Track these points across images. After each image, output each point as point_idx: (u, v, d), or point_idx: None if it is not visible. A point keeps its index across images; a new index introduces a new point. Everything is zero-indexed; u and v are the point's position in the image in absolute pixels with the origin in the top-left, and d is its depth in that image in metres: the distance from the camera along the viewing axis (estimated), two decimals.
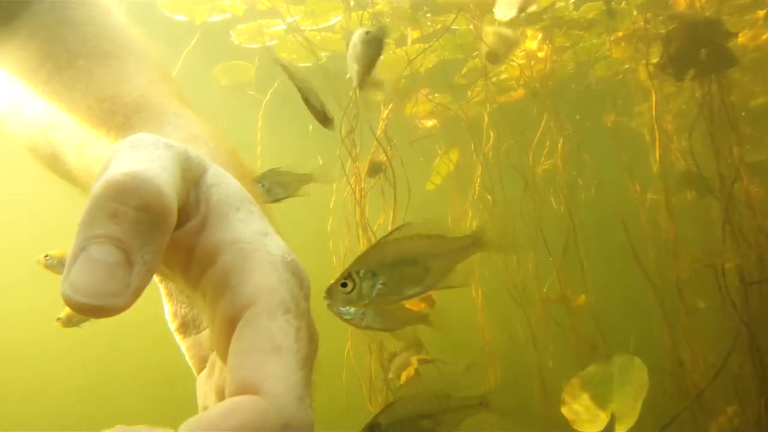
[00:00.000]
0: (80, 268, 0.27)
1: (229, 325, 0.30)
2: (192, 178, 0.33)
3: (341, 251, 3.05)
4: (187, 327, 0.46)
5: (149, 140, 0.32)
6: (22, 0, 0.49)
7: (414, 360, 2.51)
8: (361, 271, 1.10)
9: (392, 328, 1.74)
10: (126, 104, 0.44)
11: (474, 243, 1.11)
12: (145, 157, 0.30)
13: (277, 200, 1.83)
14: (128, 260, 0.28)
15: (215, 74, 3.56)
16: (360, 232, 2.79)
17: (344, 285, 1.10)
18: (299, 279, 0.32)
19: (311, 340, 0.31)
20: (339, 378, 3.01)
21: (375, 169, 2.81)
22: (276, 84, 3.22)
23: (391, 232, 1.08)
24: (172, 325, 0.47)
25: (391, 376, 2.54)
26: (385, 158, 2.81)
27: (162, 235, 0.29)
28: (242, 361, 0.28)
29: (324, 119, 1.58)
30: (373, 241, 2.73)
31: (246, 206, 0.34)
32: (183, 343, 0.46)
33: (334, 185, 2.97)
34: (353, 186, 2.87)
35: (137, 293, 0.28)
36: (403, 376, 2.51)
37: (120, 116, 0.44)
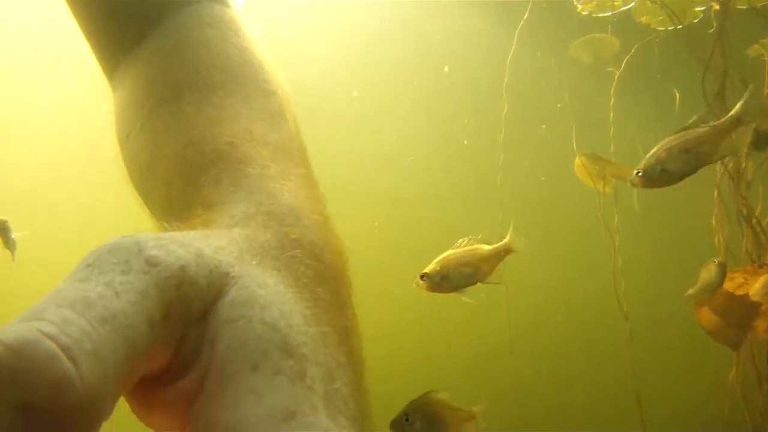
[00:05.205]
0: None
1: None
2: (188, 313, 0.24)
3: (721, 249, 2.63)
4: None
5: (124, 254, 0.23)
6: (149, 21, 0.42)
7: None
8: None
9: None
10: (207, 153, 0.35)
11: None
12: (89, 297, 0.21)
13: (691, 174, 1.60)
14: None
15: (572, 51, 3.35)
16: (743, 225, 2.36)
17: None
18: None
19: None
20: (719, 413, 2.62)
21: (762, 141, 2.32)
22: (632, 51, 2.92)
23: None
24: None
25: None
26: None
27: None
28: None
29: None
30: (762, 236, 2.30)
31: (271, 362, 0.23)
32: None
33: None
34: (726, 166, 2.44)
35: None
36: None
37: (198, 168, 0.35)
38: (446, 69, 3.75)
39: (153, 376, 0.24)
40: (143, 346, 0.22)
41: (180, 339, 0.24)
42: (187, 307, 0.24)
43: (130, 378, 0.22)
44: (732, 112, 1.56)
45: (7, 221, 2.39)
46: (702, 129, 1.53)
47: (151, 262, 0.23)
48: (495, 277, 2.05)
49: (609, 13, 3.13)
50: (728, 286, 1.85)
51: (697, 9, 2.79)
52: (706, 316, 1.91)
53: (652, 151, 1.55)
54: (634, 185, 1.59)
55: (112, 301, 0.21)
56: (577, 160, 2.87)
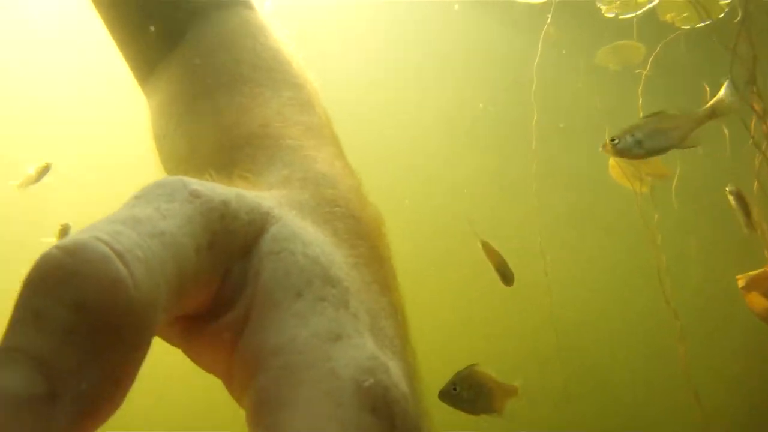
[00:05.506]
0: None
1: None
2: (232, 245, 0.24)
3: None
4: None
5: (169, 187, 0.23)
6: (180, 28, 0.44)
7: None
8: None
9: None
10: (240, 136, 0.35)
11: None
12: (137, 216, 0.21)
13: (657, 153, 1.66)
14: (50, 392, 0.18)
15: (599, 60, 3.35)
16: None
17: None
18: (384, 418, 0.21)
19: None
20: None
21: None
22: (656, 52, 2.92)
23: None
24: None
25: None
26: None
27: (118, 353, 0.19)
28: None
29: None
30: None
31: (315, 289, 0.23)
32: None
33: None
34: (765, 154, 2.42)
35: None
36: None
37: (231, 151, 0.35)
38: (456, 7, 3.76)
39: (199, 314, 0.25)
40: (190, 271, 0.22)
41: (224, 274, 0.24)
42: (231, 240, 0.24)
43: (178, 299, 0.22)
44: (707, 105, 1.70)
45: (70, 226, 2.43)
46: (679, 115, 1.62)
47: (195, 194, 0.23)
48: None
49: (633, 14, 3.13)
50: None
51: (723, 2, 2.78)
52: (756, 301, 1.92)
53: (630, 125, 1.64)
54: (605, 152, 1.67)
55: (160, 221, 0.22)
56: (611, 161, 2.86)
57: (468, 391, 1.77)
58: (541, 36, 3.13)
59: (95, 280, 0.19)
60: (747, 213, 2.05)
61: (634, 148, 1.65)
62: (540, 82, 3.24)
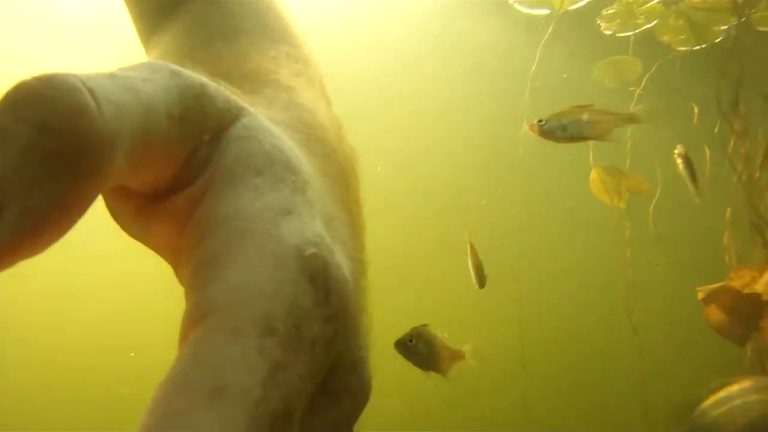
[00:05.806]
0: None
1: (181, 344, 0.21)
2: (203, 125, 0.24)
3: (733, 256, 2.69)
4: None
5: (154, 65, 0.24)
6: None
7: None
8: None
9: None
10: (233, 77, 0.36)
11: None
12: (118, 75, 0.22)
13: (577, 140, 1.78)
14: None
15: (596, 74, 3.43)
16: (755, 236, 2.43)
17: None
18: (321, 289, 0.22)
19: (299, 394, 0.20)
20: None
21: None
22: (651, 71, 3.01)
23: None
24: None
25: None
26: None
27: (72, 179, 0.19)
28: (159, 409, 0.18)
29: None
30: None
31: (275, 171, 0.24)
32: None
33: None
34: (741, 174, 2.51)
35: (3, 256, 0.19)
36: None
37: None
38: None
39: (156, 192, 0.25)
40: (158, 134, 0.22)
41: (190, 153, 0.24)
42: (203, 120, 0.24)
43: (141, 158, 0.22)
44: (630, 111, 1.94)
45: None
46: (604, 111, 1.82)
47: (176, 73, 0.24)
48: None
49: (631, 33, 3.22)
50: (736, 283, 1.92)
51: (718, 28, 2.87)
52: (714, 314, 1.99)
53: (559, 111, 1.79)
54: (531, 131, 1.80)
55: (138, 81, 0.22)
56: (593, 174, 2.93)
57: (423, 346, 1.85)
58: (540, 46, 3.19)
59: (62, 105, 0.19)
60: (694, 178, 2.16)
61: (558, 131, 1.79)
62: (533, 91, 3.31)
